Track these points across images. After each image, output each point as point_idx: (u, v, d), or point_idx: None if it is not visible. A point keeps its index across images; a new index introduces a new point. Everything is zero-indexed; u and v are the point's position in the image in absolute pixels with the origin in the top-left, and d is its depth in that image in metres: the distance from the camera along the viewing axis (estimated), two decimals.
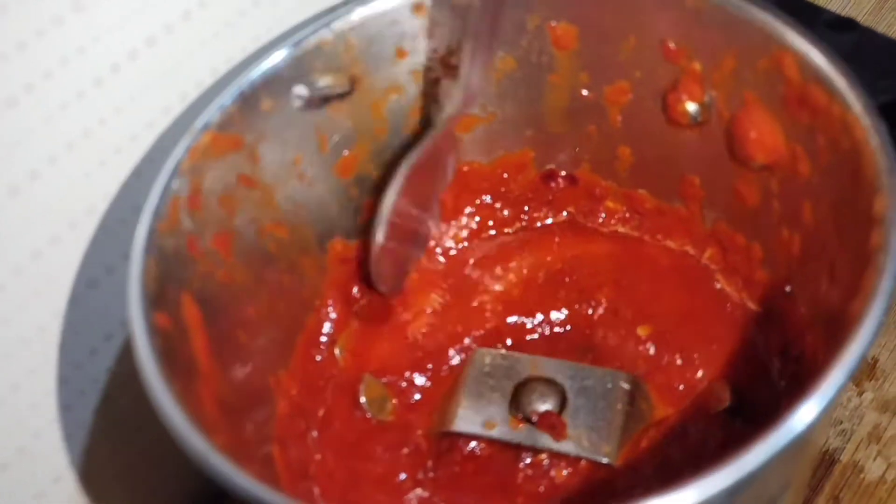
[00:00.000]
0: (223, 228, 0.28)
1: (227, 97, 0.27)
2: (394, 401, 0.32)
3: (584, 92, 0.32)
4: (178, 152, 0.26)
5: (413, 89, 0.32)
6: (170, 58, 0.30)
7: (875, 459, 0.36)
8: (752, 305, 0.31)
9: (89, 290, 0.31)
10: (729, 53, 0.28)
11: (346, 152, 0.32)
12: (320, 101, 0.30)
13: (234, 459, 0.22)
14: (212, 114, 0.27)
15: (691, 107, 0.29)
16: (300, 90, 0.29)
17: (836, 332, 0.22)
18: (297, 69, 0.29)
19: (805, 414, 0.19)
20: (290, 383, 0.31)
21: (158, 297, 0.24)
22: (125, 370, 0.33)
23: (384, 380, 0.32)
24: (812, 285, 0.27)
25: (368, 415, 0.32)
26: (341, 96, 0.30)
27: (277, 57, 0.28)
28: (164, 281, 0.24)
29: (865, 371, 0.39)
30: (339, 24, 0.29)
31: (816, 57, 0.25)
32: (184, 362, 0.24)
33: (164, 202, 0.25)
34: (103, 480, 0.35)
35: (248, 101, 0.28)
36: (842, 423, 0.37)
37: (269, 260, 0.30)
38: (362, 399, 0.32)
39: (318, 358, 0.32)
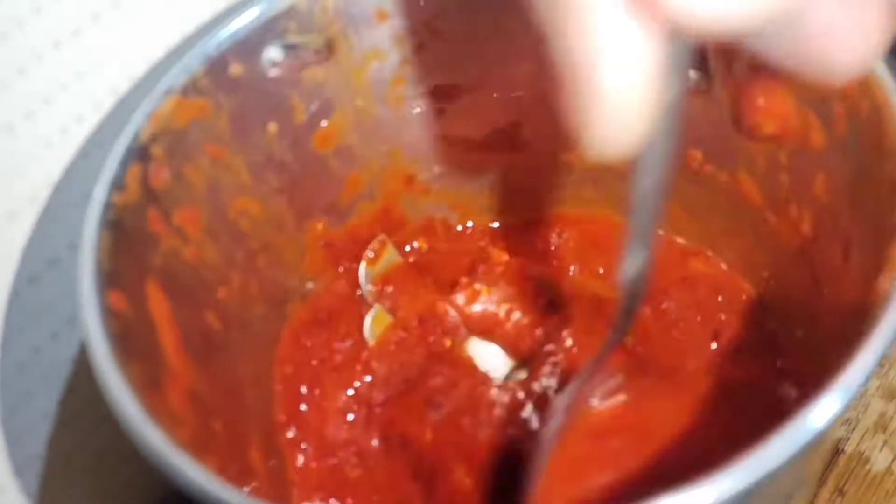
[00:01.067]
0: (189, 203, 0.26)
1: (192, 59, 0.25)
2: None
3: None
4: (137, 118, 0.24)
5: (396, 56, 0.30)
6: (134, 18, 0.28)
7: (881, 450, 0.35)
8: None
9: (48, 271, 0.29)
10: None
11: (324, 123, 0.30)
12: (295, 66, 0.28)
13: (198, 455, 0.20)
14: (175, 77, 0.25)
15: (692, 74, 0.27)
16: (273, 53, 0.27)
17: (856, 315, 0.20)
18: (270, 31, 0.27)
19: (828, 407, 0.17)
20: (281, 368, 0.30)
21: (114, 275, 0.22)
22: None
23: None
24: (825, 265, 0.25)
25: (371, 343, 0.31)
26: (318, 62, 0.28)
27: (248, 17, 0.26)
28: (121, 258, 0.22)
29: None
30: None
31: None
32: (147, 354, 0.22)
33: (121, 172, 0.23)
34: (69, 472, 0.33)
35: (216, 64, 0.26)
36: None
37: (240, 238, 0.28)
38: (367, 326, 0.31)
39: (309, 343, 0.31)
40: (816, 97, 0.24)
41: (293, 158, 0.29)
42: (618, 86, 0.14)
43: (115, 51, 0.28)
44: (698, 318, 0.31)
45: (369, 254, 0.32)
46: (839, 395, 0.17)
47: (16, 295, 0.29)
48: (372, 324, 0.32)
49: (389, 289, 0.32)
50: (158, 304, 0.23)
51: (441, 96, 0.31)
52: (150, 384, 0.20)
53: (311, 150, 0.30)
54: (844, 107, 0.23)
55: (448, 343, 0.32)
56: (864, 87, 0.22)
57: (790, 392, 0.26)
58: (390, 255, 0.33)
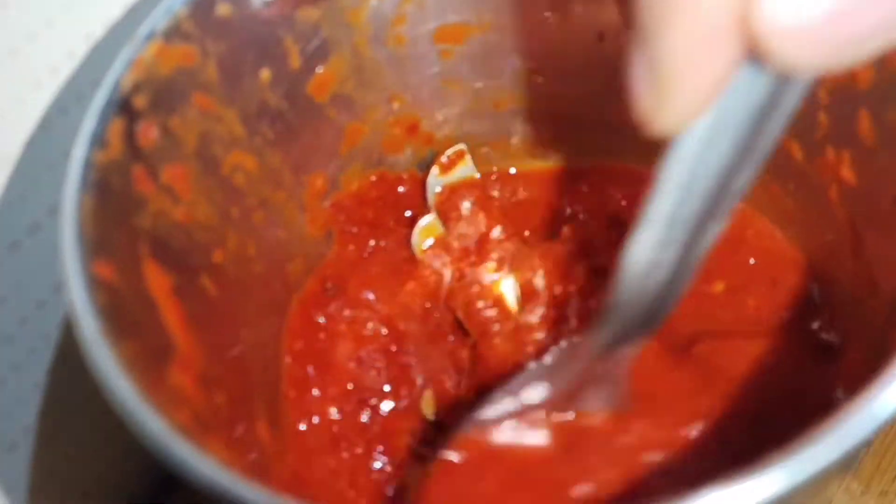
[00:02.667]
0: (178, 159, 0.24)
1: (174, 0, 0.23)
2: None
3: None
4: (117, 66, 0.22)
5: None
6: None
7: None
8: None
9: (29, 237, 0.27)
10: None
11: (320, 69, 0.27)
12: (288, 4, 0.25)
13: (201, 436, 0.18)
14: (157, 20, 0.22)
15: None
16: None
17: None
18: None
19: None
20: (291, 342, 0.28)
21: (101, 242, 0.20)
22: None
23: None
24: (866, 212, 0.23)
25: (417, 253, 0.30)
26: None
27: None
28: (107, 223, 0.20)
29: None
30: None
31: None
32: (144, 331, 0.20)
33: (102, 127, 0.21)
34: (62, 444, 0.32)
35: (202, 4, 0.23)
36: None
37: (235, 195, 0.26)
38: (416, 232, 0.30)
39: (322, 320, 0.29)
40: None
41: (288, 107, 0.27)
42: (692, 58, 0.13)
43: None
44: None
45: (443, 159, 0.31)
46: None
47: None
48: (421, 230, 0.30)
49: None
50: (156, 277, 0.21)
51: (447, 37, 0.29)
52: (146, 363, 0.18)
53: (307, 99, 0.28)
54: None
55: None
56: None
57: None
58: (466, 167, 0.31)
